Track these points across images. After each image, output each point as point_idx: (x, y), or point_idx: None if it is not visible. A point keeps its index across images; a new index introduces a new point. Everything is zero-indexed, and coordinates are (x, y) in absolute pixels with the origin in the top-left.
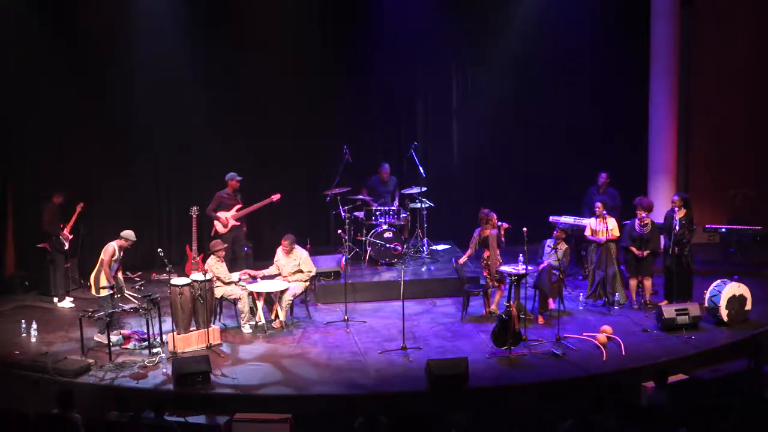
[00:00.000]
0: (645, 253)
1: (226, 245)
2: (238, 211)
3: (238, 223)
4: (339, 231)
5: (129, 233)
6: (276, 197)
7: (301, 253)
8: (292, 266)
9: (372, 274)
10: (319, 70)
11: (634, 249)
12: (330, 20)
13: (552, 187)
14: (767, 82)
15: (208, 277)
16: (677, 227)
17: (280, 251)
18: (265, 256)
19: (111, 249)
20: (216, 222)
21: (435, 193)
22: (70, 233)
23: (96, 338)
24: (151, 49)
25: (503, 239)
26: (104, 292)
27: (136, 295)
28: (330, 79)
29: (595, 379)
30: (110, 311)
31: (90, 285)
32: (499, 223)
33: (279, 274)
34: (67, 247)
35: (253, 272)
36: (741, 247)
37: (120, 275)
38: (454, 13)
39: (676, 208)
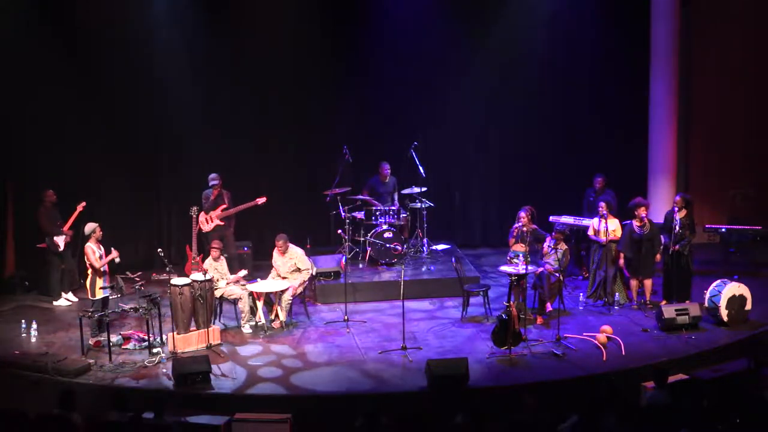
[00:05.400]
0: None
1: (221, 245)
2: (222, 210)
3: (223, 223)
4: (339, 231)
5: (88, 227)
6: (261, 201)
7: (296, 251)
8: (289, 266)
9: (372, 274)
10: (319, 69)
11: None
12: (330, 20)
13: (552, 187)
14: (767, 82)
15: (208, 277)
16: (677, 227)
17: (275, 253)
18: (266, 256)
19: (89, 251)
20: (200, 220)
21: (435, 193)
22: (70, 229)
23: (90, 341)
24: (151, 49)
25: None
26: (100, 294)
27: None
28: (330, 79)
29: (595, 379)
30: (107, 312)
31: (86, 290)
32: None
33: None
34: (61, 248)
35: (234, 278)
36: (741, 247)
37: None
38: (454, 13)
39: (677, 208)
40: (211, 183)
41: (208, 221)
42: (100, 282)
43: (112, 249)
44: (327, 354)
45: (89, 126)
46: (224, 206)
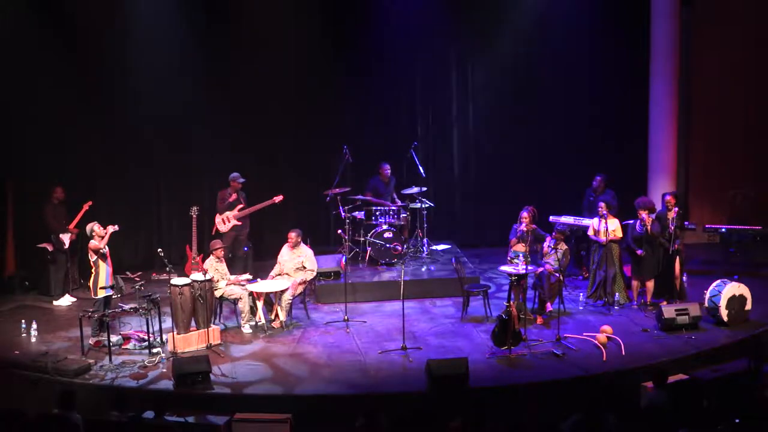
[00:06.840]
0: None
1: (225, 245)
2: (240, 210)
3: (240, 223)
4: (339, 231)
5: (87, 228)
6: (278, 199)
7: (305, 251)
8: (295, 263)
9: (372, 274)
10: (319, 70)
11: (639, 252)
12: (330, 20)
13: (552, 187)
14: (767, 82)
15: (208, 277)
16: (672, 226)
17: (285, 247)
18: (266, 256)
19: (93, 245)
20: (217, 221)
21: (435, 193)
22: (75, 228)
23: (90, 341)
24: (151, 49)
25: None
26: (102, 293)
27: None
28: (330, 79)
29: (595, 379)
30: (107, 311)
31: (89, 288)
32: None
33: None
34: (67, 245)
35: (235, 279)
36: (741, 247)
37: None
38: (454, 13)
39: (674, 208)
40: (239, 180)
41: (225, 221)
42: (103, 276)
43: (109, 225)
44: (327, 354)
45: (89, 126)
46: (241, 206)
